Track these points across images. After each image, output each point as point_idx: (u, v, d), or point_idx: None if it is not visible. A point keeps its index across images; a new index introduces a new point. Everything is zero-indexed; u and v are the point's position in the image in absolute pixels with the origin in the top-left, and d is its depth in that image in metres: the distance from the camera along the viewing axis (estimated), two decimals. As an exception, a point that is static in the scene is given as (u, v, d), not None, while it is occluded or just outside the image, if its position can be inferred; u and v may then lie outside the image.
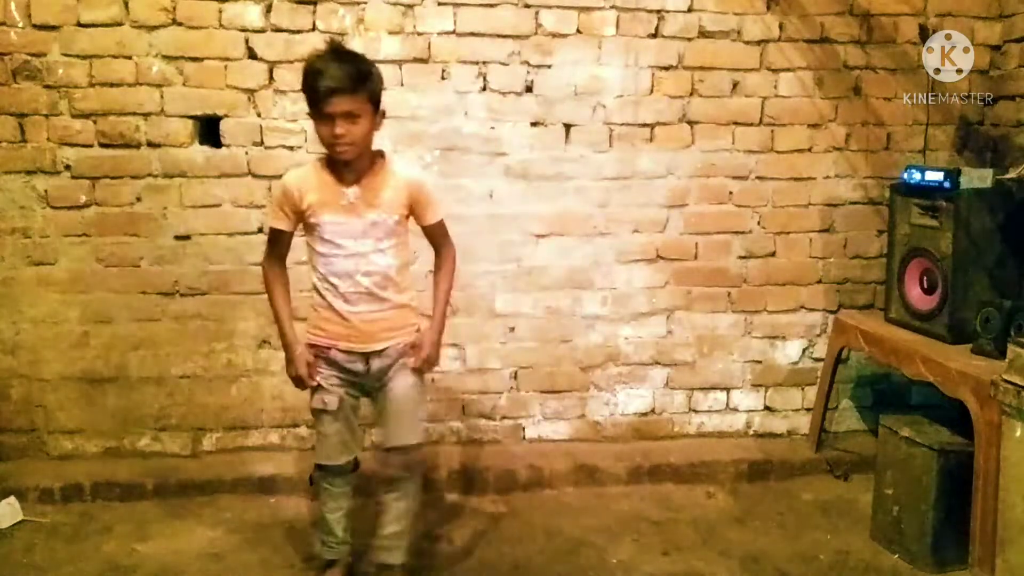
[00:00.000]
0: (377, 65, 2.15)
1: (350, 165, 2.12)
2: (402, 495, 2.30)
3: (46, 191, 2.97)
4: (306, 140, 3.03)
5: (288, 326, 2.24)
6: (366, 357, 2.20)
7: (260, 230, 3.05)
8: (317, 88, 2.01)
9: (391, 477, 2.30)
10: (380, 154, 2.21)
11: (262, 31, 2.97)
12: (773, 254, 3.31)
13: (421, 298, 2.37)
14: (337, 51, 2.07)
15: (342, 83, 2.00)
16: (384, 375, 2.23)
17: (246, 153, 3.03)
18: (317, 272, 2.18)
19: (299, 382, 2.25)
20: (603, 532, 2.75)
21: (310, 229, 2.17)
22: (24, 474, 2.94)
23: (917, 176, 2.86)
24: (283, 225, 2.19)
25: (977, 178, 2.72)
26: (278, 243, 2.23)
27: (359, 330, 2.17)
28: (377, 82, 2.10)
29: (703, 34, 3.14)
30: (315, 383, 2.21)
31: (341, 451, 2.27)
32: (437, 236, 2.31)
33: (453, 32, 3.03)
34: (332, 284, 2.15)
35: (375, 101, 2.10)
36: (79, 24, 2.89)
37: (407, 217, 2.23)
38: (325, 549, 2.38)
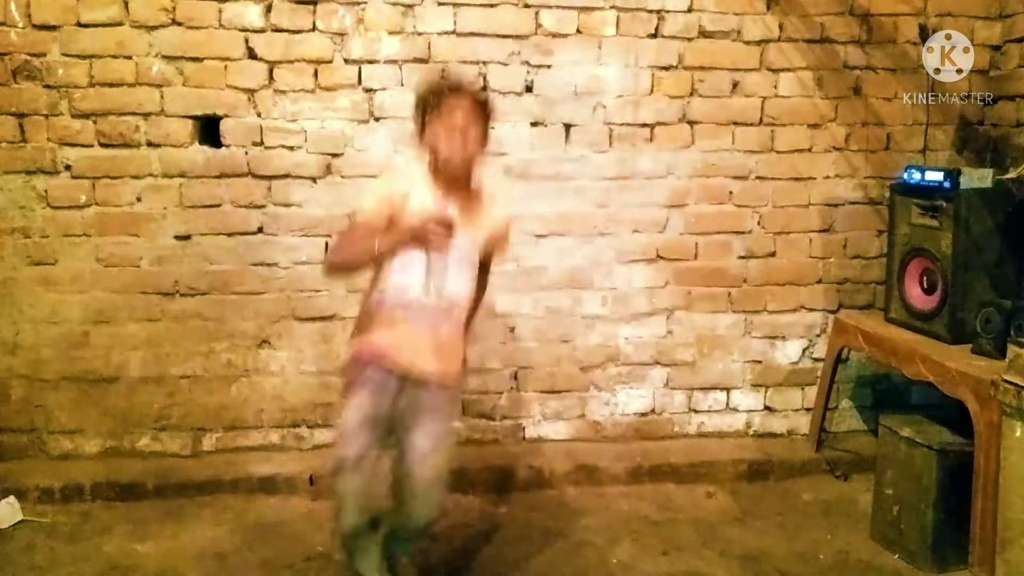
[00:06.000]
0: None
1: None
2: None
3: (46, 191, 2.97)
4: (306, 140, 3.03)
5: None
6: None
7: (260, 230, 3.06)
8: None
9: None
10: None
11: (262, 31, 2.97)
12: (773, 254, 3.31)
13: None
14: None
15: None
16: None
17: (246, 153, 3.02)
18: None
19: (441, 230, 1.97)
20: (603, 532, 2.75)
21: None
22: (24, 474, 2.93)
23: (917, 176, 2.86)
24: None
25: (977, 178, 2.72)
26: None
27: None
28: None
29: (703, 34, 3.14)
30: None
31: None
32: None
33: (453, 32, 3.03)
34: None
35: None
36: (79, 24, 2.90)
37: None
38: None
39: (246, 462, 3.06)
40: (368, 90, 3.04)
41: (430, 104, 2.09)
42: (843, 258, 3.34)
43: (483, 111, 2.11)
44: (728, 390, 3.37)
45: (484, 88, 3.05)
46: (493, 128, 2.18)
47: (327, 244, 3.07)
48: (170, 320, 3.07)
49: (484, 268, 2.24)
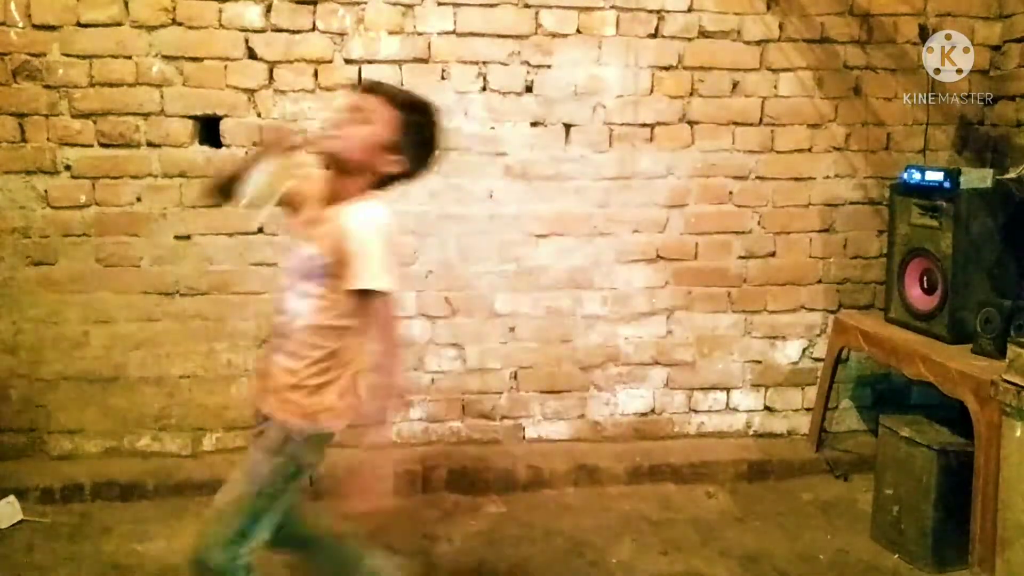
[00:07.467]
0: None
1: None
2: None
3: (46, 191, 2.97)
4: (306, 140, 3.03)
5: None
6: None
7: (260, 230, 3.06)
8: None
9: None
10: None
11: (262, 31, 2.97)
12: (773, 254, 3.31)
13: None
14: None
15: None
16: None
17: (246, 153, 3.02)
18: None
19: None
20: (603, 532, 2.75)
21: None
22: (24, 474, 2.93)
23: (917, 176, 2.86)
24: None
25: (977, 178, 2.72)
26: None
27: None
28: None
29: (703, 34, 3.14)
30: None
31: None
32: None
33: (453, 32, 3.03)
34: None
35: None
36: (79, 24, 2.89)
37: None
38: None
39: (246, 462, 3.06)
40: (368, 90, 3.03)
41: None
42: (843, 258, 3.34)
43: (379, 104, 1.72)
44: (728, 390, 3.37)
45: (484, 87, 3.07)
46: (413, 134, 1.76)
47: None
48: (170, 320, 3.07)
49: (361, 303, 1.69)
